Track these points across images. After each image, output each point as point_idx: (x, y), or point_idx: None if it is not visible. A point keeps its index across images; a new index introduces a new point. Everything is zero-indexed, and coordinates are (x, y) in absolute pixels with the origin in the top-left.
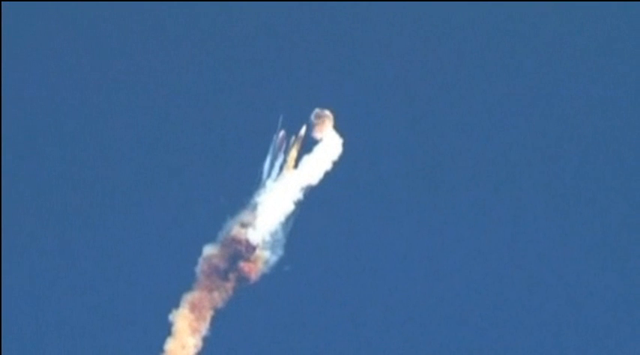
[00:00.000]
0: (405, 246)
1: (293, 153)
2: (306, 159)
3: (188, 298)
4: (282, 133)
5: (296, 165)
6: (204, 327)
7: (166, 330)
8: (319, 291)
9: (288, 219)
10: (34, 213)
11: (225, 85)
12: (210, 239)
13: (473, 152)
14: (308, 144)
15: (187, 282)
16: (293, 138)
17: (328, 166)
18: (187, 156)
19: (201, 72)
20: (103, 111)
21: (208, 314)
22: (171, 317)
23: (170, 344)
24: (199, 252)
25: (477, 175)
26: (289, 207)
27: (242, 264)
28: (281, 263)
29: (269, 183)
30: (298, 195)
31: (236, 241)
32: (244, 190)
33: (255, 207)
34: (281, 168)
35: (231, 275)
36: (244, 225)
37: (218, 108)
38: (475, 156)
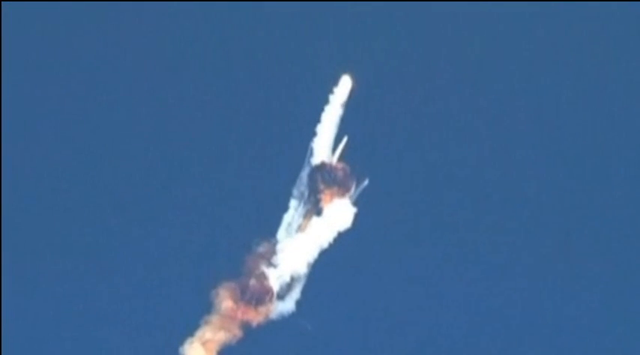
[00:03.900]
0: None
1: (308, 219)
2: (319, 221)
3: (200, 333)
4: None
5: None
6: None
7: None
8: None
9: (303, 274)
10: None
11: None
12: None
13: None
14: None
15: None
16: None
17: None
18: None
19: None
20: (109, 118)
21: (216, 349)
22: (181, 350)
23: None
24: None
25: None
26: (305, 265)
27: (246, 311)
28: (291, 316)
29: (289, 237)
30: (315, 254)
31: (250, 290)
32: (268, 232)
33: (273, 260)
34: (301, 223)
35: (238, 320)
36: (260, 276)
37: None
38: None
